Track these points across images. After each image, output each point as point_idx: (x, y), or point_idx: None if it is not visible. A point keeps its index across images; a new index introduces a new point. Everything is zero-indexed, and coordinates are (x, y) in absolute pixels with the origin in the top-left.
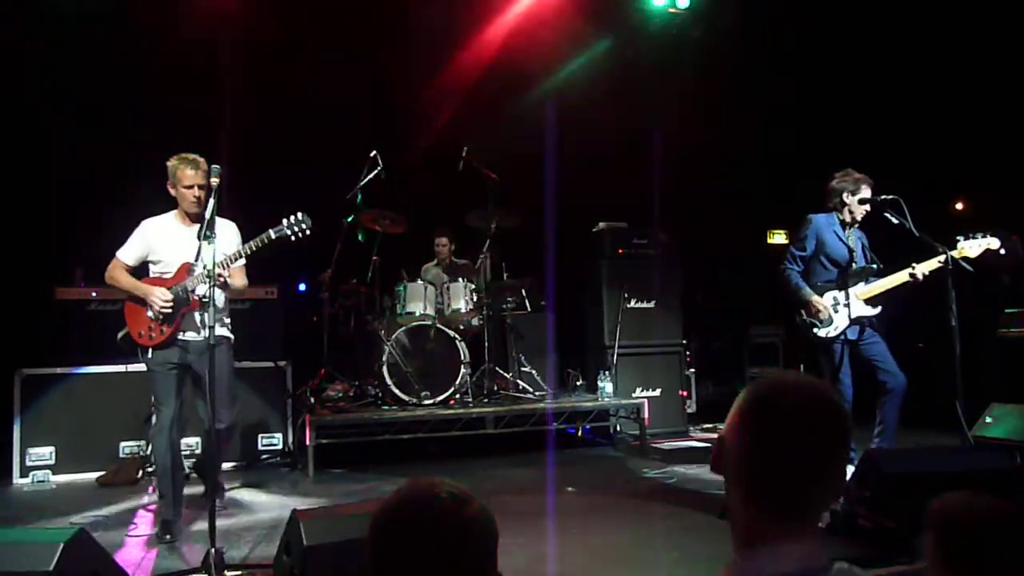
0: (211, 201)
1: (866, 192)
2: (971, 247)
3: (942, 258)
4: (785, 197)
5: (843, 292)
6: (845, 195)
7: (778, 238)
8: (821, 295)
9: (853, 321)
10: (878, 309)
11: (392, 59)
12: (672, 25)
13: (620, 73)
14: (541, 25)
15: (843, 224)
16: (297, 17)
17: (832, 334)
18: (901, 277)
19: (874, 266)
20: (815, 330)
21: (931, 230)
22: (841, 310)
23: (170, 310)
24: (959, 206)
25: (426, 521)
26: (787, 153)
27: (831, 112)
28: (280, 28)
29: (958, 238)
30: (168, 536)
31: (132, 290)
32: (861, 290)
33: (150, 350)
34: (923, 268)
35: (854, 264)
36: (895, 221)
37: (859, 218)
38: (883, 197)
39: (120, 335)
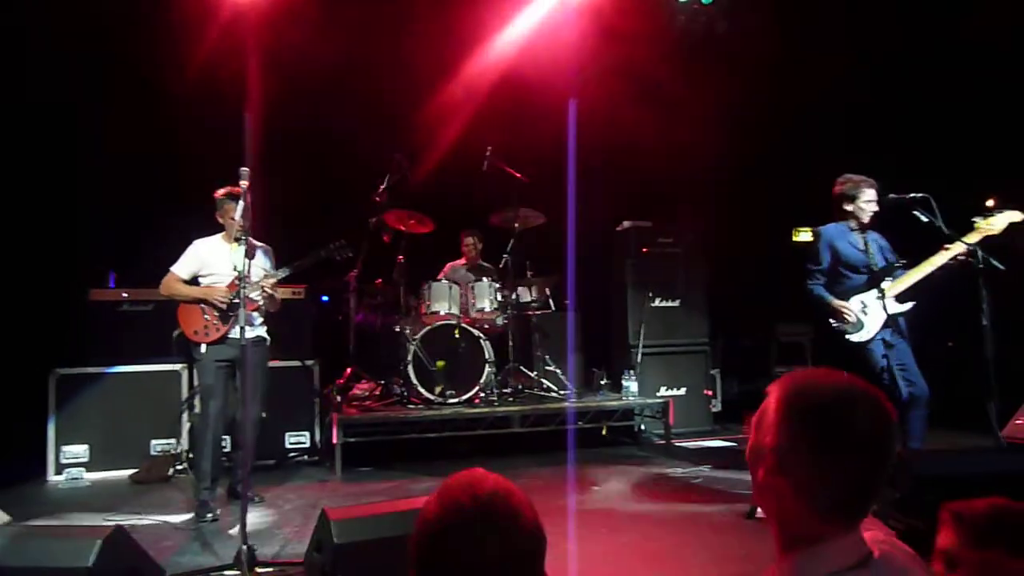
0: (241, 204)
1: (870, 193)
2: (994, 223)
3: (971, 239)
4: (812, 194)
5: (870, 293)
6: (850, 201)
7: (804, 236)
8: (847, 300)
9: (886, 322)
10: (909, 305)
11: (416, 59)
12: (697, 21)
13: (644, 70)
14: (565, 23)
15: (854, 230)
16: (322, 14)
17: (865, 338)
18: (930, 265)
19: (898, 263)
20: (848, 336)
21: (962, 228)
22: (871, 312)
23: (227, 308)
24: (990, 203)
25: (480, 538)
26: (813, 149)
27: (859, 107)
28: (304, 26)
29: (974, 219)
30: (210, 516)
31: (192, 294)
32: (889, 286)
33: (203, 346)
34: (956, 250)
35: (874, 267)
36: (924, 219)
37: (866, 220)
38: (912, 195)
39: (175, 335)
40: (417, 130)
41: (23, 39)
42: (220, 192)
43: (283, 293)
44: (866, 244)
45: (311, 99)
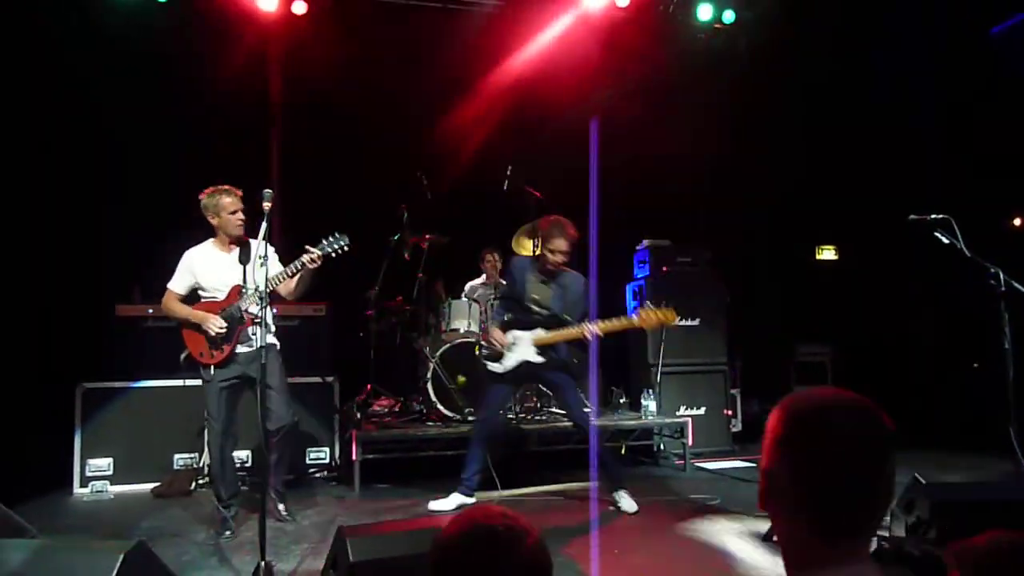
0: (263, 225)
1: (559, 243)
2: (649, 318)
3: (623, 321)
4: (834, 212)
5: (523, 333)
6: (543, 244)
7: (827, 254)
8: (505, 331)
9: (518, 364)
10: (541, 359)
11: (439, 77)
12: (717, 40)
13: (665, 88)
14: (585, 42)
15: (541, 270)
16: (340, 42)
17: (499, 370)
18: (573, 333)
19: (565, 317)
20: (486, 362)
21: (985, 249)
22: (516, 349)
23: (225, 332)
24: (1016, 222)
25: (488, 558)
26: (836, 168)
27: (881, 125)
28: (324, 53)
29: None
30: (228, 532)
31: (189, 318)
32: (538, 335)
33: (212, 368)
34: (598, 328)
35: (541, 310)
36: (945, 241)
37: (550, 265)
38: (933, 216)
39: (182, 357)
40: (438, 148)
41: (46, 52)
42: (206, 191)
43: (305, 310)
44: (547, 287)
45: (331, 117)
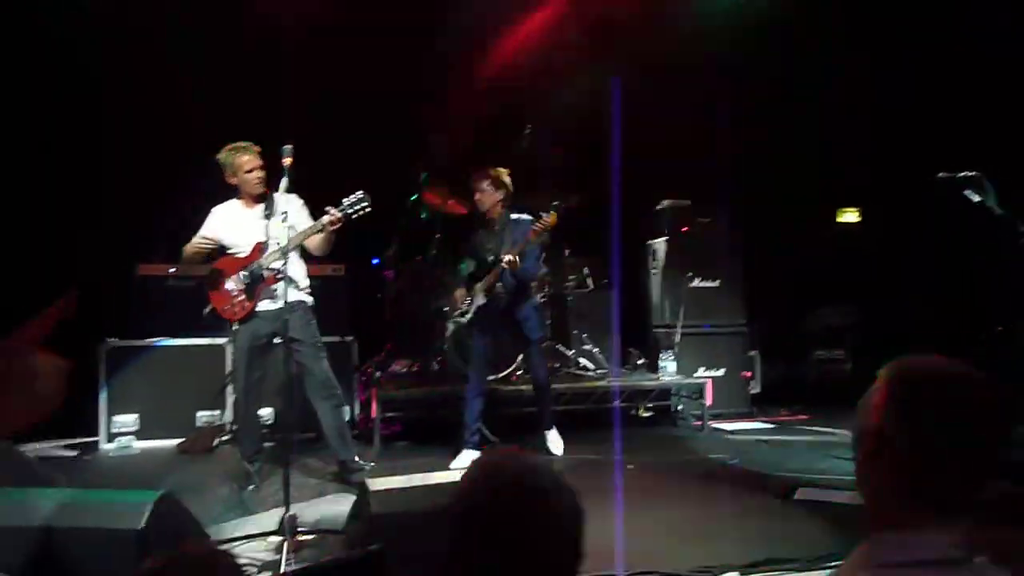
0: (284, 180)
1: (474, 192)
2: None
3: (521, 243)
4: (856, 174)
5: (477, 284)
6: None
7: (848, 216)
8: (471, 287)
9: (476, 311)
10: (484, 300)
11: (456, 33)
12: None
13: (687, 47)
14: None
15: (485, 224)
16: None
17: (462, 321)
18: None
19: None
20: (457, 320)
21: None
22: (475, 301)
23: (245, 289)
24: None
25: (519, 507)
26: (859, 129)
27: (906, 86)
28: (341, 7)
29: (541, 214)
30: (252, 487)
31: (190, 249)
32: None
33: (236, 324)
34: (510, 256)
35: (490, 258)
36: (976, 199)
37: (489, 216)
38: (963, 174)
39: (205, 311)
40: (458, 104)
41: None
42: (224, 150)
43: (323, 270)
44: (495, 235)
45: (350, 75)
